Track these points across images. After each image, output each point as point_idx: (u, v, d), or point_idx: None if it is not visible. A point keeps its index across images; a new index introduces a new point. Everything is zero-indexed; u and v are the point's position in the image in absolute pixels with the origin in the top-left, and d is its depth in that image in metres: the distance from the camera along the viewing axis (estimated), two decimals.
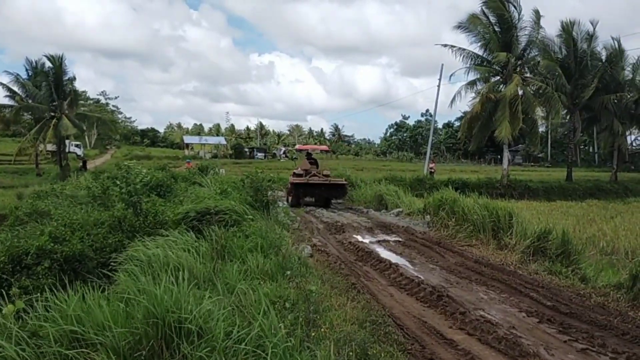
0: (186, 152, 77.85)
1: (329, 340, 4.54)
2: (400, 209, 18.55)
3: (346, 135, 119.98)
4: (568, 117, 39.81)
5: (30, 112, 42.36)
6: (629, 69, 39.79)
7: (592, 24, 36.19)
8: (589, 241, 12.92)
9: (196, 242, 8.10)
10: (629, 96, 39.13)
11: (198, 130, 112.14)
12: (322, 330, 4.88)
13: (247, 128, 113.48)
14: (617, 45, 38.05)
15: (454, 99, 33.70)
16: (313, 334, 4.70)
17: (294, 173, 21.40)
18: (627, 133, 48.17)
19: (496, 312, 6.82)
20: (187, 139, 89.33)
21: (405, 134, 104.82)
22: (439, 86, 36.79)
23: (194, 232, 9.06)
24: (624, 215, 19.76)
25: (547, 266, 9.48)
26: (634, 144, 68.32)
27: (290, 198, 21.37)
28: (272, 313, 4.38)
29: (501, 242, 11.25)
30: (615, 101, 37.12)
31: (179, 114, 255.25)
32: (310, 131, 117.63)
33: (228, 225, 10.03)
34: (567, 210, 22.48)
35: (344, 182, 22.01)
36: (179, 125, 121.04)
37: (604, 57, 38.43)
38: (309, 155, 24.16)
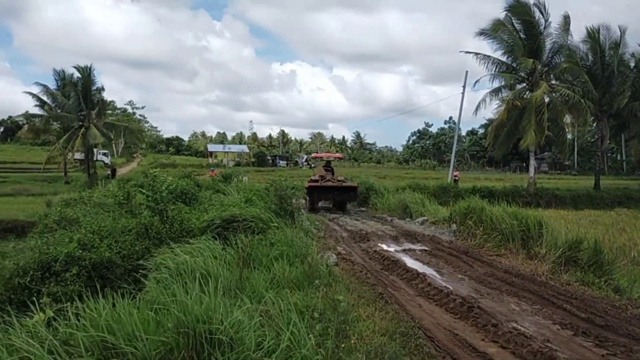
0: (210, 160, 78.62)
1: (359, 352, 4.45)
2: (425, 218, 18.33)
3: (368, 143, 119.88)
4: (595, 125, 39.04)
5: (59, 122, 43.29)
6: None
7: (620, 29, 35.52)
8: (619, 251, 12.59)
9: (223, 250, 8.09)
10: None
11: (221, 138, 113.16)
12: (352, 341, 4.80)
13: (270, 136, 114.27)
14: None
15: (478, 106, 33.45)
16: (343, 345, 4.61)
17: (311, 179, 23.05)
18: None
19: (529, 324, 6.62)
20: (211, 147, 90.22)
21: (428, 142, 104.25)
22: (463, 93, 36.42)
23: (220, 239, 9.06)
24: None
25: (579, 276, 9.22)
26: None
27: (306, 203, 21.74)
28: (301, 324, 4.31)
29: (531, 252, 10.98)
30: None
31: (203, 123, 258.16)
32: (332, 139, 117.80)
33: (254, 233, 10.02)
34: (596, 219, 22.00)
35: (356, 185, 23.49)
36: (203, 134, 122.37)
37: (632, 64, 37.71)
38: (328, 163, 25.55)
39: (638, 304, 7.65)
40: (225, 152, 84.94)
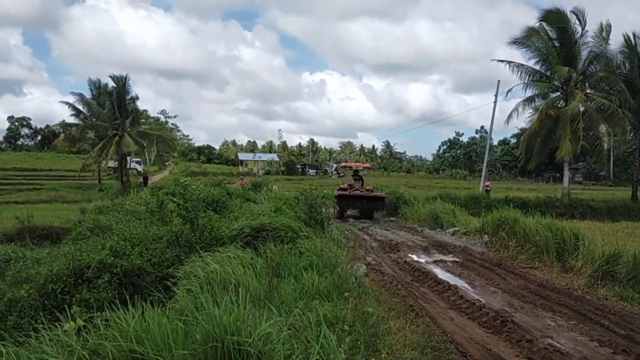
0: (240, 168, 79.35)
1: None
2: (456, 228, 18.06)
3: (398, 152, 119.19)
4: (632, 134, 37.91)
5: (94, 130, 44.25)
6: None
7: None
8: None
9: (252, 259, 8.07)
10: None
11: (252, 147, 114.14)
12: (382, 356, 4.69)
13: (299, 145, 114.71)
14: None
15: (510, 115, 32.83)
16: (373, 359, 4.52)
17: (339, 187, 23.90)
18: None
19: (566, 341, 6.40)
20: (242, 156, 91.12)
21: (458, 151, 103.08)
22: (495, 102, 35.78)
23: (249, 248, 9.05)
24: None
25: (618, 291, 8.92)
26: None
27: (335, 211, 21.98)
28: (332, 337, 4.23)
29: (566, 265, 10.67)
30: None
31: (234, 132, 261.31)
32: (362, 148, 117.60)
33: (283, 242, 9.99)
34: (634, 231, 21.21)
35: (384, 195, 24.08)
36: (234, 143, 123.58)
37: None
38: (355, 172, 26.39)
39: None
40: (255, 160, 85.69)
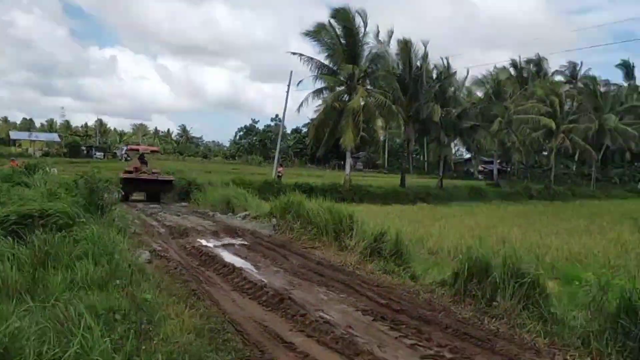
0: (13, 149, 69.99)
1: (160, 353, 4.25)
2: (247, 212, 18.45)
3: (195, 137, 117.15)
4: (403, 128, 42.94)
5: None
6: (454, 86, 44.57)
7: (423, 44, 39.37)
8: (418, 241, 13.92)
9: (13, 249, 7.20)
10: (453, 111, 43.42)
11: (28, 125, 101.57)
12: (155, 342, 4.57)
13: (86, 125, 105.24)
14: (446, 64, 42.90)
15: (301, 105, 34.72)
16: (144, 347, 4.37)
17: (125, 170, 24.10)
18: (452, 144, 53.87)
19: (335, 313, 7.00)
20: (14, 135, 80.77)
21: (254, 138, 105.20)
22: (287, 92, 37.39)
23: (14, 237, 8.07)
24: (448, 218, 21.80)
25: (382, 266, 10.01)
26: (457, 154, 76.96)
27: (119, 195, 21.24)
28: (96, 327, 3.98)
29: (342, 244, 11.65)
30: (443, 115, 40.91)
31: (6, 107, 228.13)
32: (156, 131, 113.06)
33: (55, 230, 9.09)
34: (401, 213, 24.11)
35: (171, 179, 24.68)
36: (5, 120, 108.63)
37: (434, 75, 42.65)
38: (141, 156, 26.33)
39: (428, 289, 8.50)
40: (31, 140, 76.51)
